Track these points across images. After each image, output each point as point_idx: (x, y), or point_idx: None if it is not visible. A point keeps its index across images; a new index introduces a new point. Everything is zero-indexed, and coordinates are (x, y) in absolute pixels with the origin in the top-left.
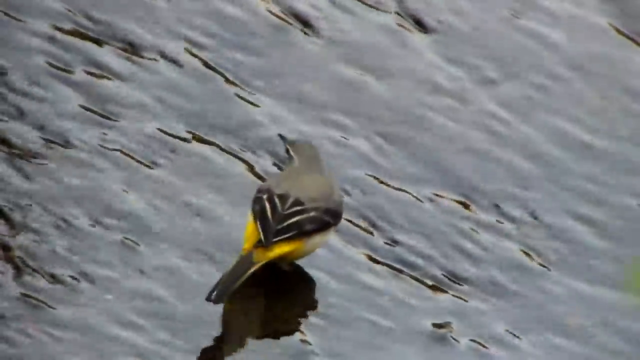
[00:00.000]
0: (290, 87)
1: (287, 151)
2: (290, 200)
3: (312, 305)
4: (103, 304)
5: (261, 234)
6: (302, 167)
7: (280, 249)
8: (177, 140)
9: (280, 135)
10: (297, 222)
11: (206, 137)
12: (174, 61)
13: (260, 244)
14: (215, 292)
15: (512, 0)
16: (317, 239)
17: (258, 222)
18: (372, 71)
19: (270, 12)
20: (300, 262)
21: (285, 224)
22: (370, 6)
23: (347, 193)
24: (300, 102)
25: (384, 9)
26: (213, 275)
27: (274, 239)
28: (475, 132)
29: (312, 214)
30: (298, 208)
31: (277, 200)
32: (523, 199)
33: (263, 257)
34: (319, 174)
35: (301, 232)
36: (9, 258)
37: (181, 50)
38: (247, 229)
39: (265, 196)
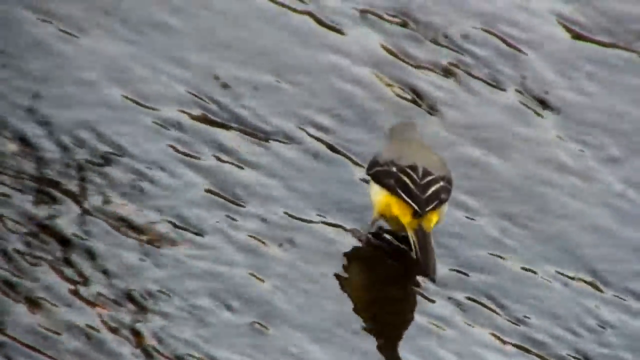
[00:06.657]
0: None
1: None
2: (421, 171)
3: None
4: None
5: (413, 204)
6: (402, 139)
7: (430, 218)
8: (303, 223)
9: None
10: (435, 191)
11: (332, 220)
12: (299, 144)
13: (416, 215)
14: (432, 272)
15: (634, 76)
16: (444, 208)
17: (404, 194)
18: (496, 150)
19: (393, 91)
20: (424, 343)
21: (428, 193)
22: (493, 85)
23: (473, 271)
24: None
25: (506, 88)
26: (344, 358)
27: (427, 208)
28: (600, 210)
29: (441, 183)
30: (431, 178)
31: (410, 171)
32: None
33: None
34: (420, 142)
35: (440, 201)
36: (140, 344)
37: (306, 133)
38: (382, 204)
39: (394, 169)
